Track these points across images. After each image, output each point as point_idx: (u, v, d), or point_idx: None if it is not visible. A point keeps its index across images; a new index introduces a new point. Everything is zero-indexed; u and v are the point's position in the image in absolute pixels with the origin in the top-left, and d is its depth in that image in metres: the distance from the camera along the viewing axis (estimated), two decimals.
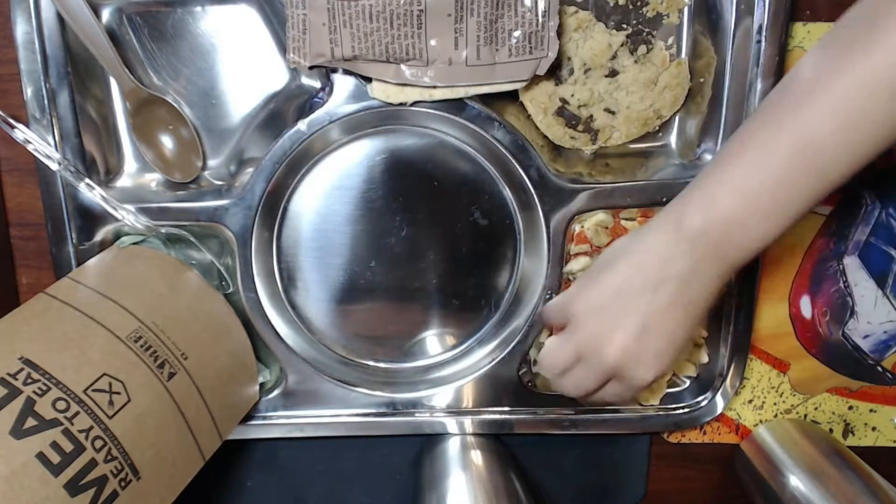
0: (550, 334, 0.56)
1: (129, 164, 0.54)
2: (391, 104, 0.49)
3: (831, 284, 0.58)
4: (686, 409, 0.57)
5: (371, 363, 0.58)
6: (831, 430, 0.62)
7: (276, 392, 0.56)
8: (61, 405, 0.37)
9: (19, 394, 0.36)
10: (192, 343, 0.46)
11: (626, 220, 0.54)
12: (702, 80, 0.51)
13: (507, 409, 0.57)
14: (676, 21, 0.51)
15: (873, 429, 0.62)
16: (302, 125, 0.50)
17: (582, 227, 0.53)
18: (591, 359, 0.43)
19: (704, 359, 0.56)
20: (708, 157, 0.52)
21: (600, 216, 0.53)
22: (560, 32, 0.48)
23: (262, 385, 0.55)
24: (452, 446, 0.58)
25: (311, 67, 0.47)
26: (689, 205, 0.40)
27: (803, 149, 0.36)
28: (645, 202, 0.52)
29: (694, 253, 0.40)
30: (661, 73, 0.51)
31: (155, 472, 0.40)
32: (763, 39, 0.48)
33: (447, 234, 0.55)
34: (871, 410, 0.61)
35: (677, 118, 0.54)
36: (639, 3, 0.51)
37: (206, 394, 0.45)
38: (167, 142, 0.52)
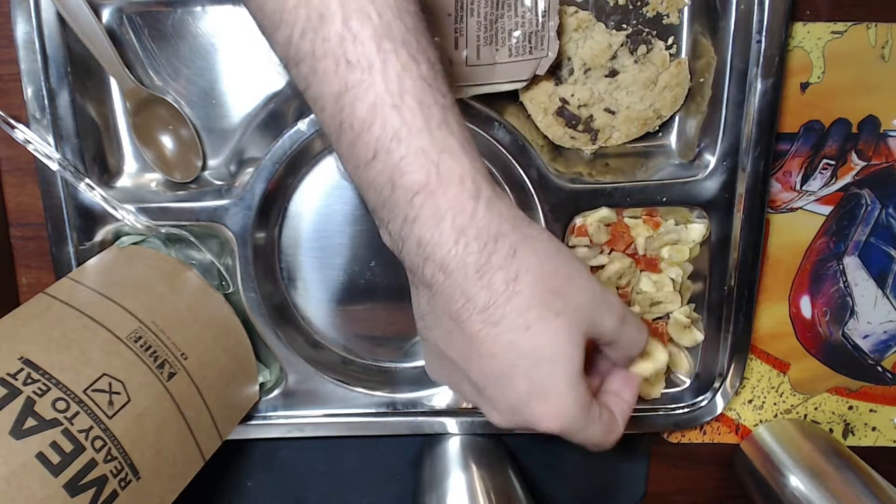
0: None
1: (129, 164, 0.54)
2: None
3: (831, 284, 0.58)
4: (686, 409, 0.57)
5: (371, 363, 0.58)
6: (831, 430, 0.62)
7: (276, 392, 0.56)
8: (61, 405, 0.37)
9: (19, 394, 0.36)
10: (192, 343, 0.46)
11: (630, 217, 0.54)
12: (702, 80, 0.51)
13: None
14: (676, 21, 0.51)
15: (873, 429, 0.62)
16: (302, 125, 0.50)
17: (584, 220, 0.53)
18: None
19: (700, 337, 0.55)
20: (708, 156, 0.52)
21: (604, 212, 0.53)
22: (560, 32, 0.48)
23: (262, 385, 0.55)
24: (452, 446, 0.58)
25: None
26: None
27: None
28: (645, 202, 0.52)
29: None
30: (661, 73, 0.51)
31: (155, 472, 0.40)
32: (763, 39, 0.48)
33: None
34: (871, 410, 0.61)
35: (677, 118, 0.54)
36: (639, 3, 0.51)
37: (205, 394, 0.45)
38: (167, 142, 0.52)
